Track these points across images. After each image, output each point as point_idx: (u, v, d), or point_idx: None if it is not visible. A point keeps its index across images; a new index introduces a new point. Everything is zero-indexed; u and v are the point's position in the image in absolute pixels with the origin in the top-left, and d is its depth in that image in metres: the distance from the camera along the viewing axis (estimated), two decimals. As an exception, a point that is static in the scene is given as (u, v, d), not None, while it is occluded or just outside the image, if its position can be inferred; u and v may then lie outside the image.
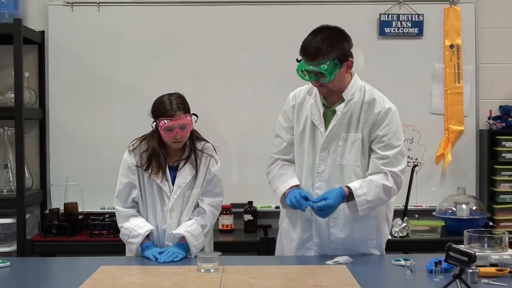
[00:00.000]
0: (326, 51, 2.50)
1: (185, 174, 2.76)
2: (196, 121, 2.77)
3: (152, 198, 2.77)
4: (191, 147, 2.78)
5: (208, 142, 2.85)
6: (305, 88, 2.78)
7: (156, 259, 2.64)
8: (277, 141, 2.83)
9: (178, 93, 2.77)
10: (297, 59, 2.59)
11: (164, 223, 2.77)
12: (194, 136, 2.79)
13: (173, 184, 2.76)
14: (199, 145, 2.81)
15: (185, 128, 2.69)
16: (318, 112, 2.67)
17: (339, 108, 2.62)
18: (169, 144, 2.73)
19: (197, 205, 2.81)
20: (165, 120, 2.66)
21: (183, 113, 2.69)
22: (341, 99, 2.64)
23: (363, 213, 2.58)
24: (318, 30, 2.58)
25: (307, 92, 2.75)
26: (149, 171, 2.73)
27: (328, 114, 2.68)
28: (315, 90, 2.69)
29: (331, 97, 2.66)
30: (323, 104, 2.68)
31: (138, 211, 2.80)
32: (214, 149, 2.84)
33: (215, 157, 2.83)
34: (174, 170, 2.77)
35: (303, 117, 2.72)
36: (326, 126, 2.66)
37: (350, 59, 2.59)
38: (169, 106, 2.68)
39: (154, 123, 2.73)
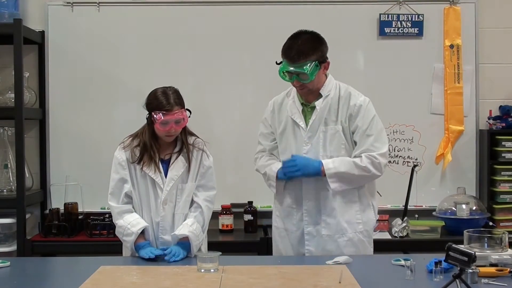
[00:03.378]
0: (308, 53, 2.70)
1: (177, 166, 2.79)
2: (189, 116, 2.78)
3: (146, 191, 2.79)
4: (183, 141, 2.81)
5: (199, 137, 2.87)
6: (283, 94, 2.97)
7: (156, 256, 2.64)
8: (258, 148, 3.04)
9: (173, 87, 2.80)
10: (276, 62, 2.77)
11: (158, 215, 2.78)
12: (187, 131, 2.83)
13: (166, 176, 2.78)
14: (190, 140, 2.84)
15: (180, 122, 2.73)
16: (297, 110, 2.86)
17: (318, 103, 2.80)
18: (161, 137, 2.76)
19: (192, 200, 2.83)
20: (161, 114, 2.68)
21: (179, 108, 2.73)
22: (319, 96, 2.82)
23: (335, 185, 2.76)
24: (297, 35, 2.77)
25: (286, 95, 2.94)
26: (141, 164, 2.76)
27: (307, 111, 2.86)
28: (293, 91, 2.89)
29: (309, 96, 2.84)
30: (302, 103, 2.86)
31: (133, 207, 2.80)
32: (205, 144, 2.87)
33: (207, 151, 2.86)
34: (167, 163, 2.80)
35: (283, 118, 2.90)
36: (307, 122, 2.83)
37: (328, 61, 2.78)
38: (166, 101, 2.71)
39: (148, 115, 2.75)
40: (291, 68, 2.71)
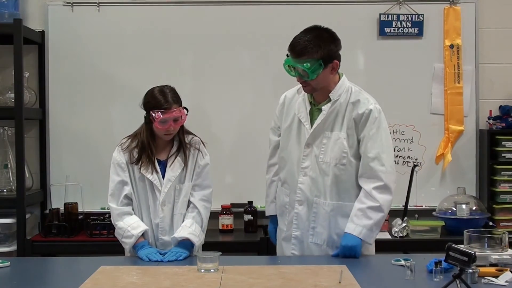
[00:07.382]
0: (312, 50, 2.60)
1: (174, 167, 2.79)
2: (186, 114, 2.79)
3: (144, 193, 2.79)
4: (180, 141, 2.81)
5: (196, 136, 2.87)
6: (295, 89, 2.89)
7: (154, 260, 2.64)
8: (270, 145, 3.05)
9: (170, 85, 2.81)
10: (287, 54, 2.67)
11: (157, 217, 2.79)
12: (184, 130, 2.83)
13: (163, 178, 2.78)
14: (187, 139, 2.84)
15: (178, 120, 2.74)
16: (304, 109, 2.78)
17: (325, 108, 2.72)
18: (160, 136, 2.77)
19: (188, 201, 2.83)
20: (160, 113, 2.69)
21: (178, 106, 2.74)
22: (328, 99, 2.73)
23: (371, 237, 2.70)
24: (309, 29, 2.68)
25: (297, 91, 2.87)
26: (140, 164, 2.76)
27: (314, 112, 2.78)
28: None
29: (318, 96, 2.76)
30: (310, 102, 2.79)
31: (133, 209, 2.81)
32: (202, 142, 2.88)
33: (203, 150, 2.86)
34: (164, 164, 2.80)
35: (291, 114, 2.84)
36: (312, 123, 2.76)
37: (335, 61, 2.67)
38: (164, 99, 2.72)
39: (146, 114, 2.76)
40: (294, 63, 2.63)
